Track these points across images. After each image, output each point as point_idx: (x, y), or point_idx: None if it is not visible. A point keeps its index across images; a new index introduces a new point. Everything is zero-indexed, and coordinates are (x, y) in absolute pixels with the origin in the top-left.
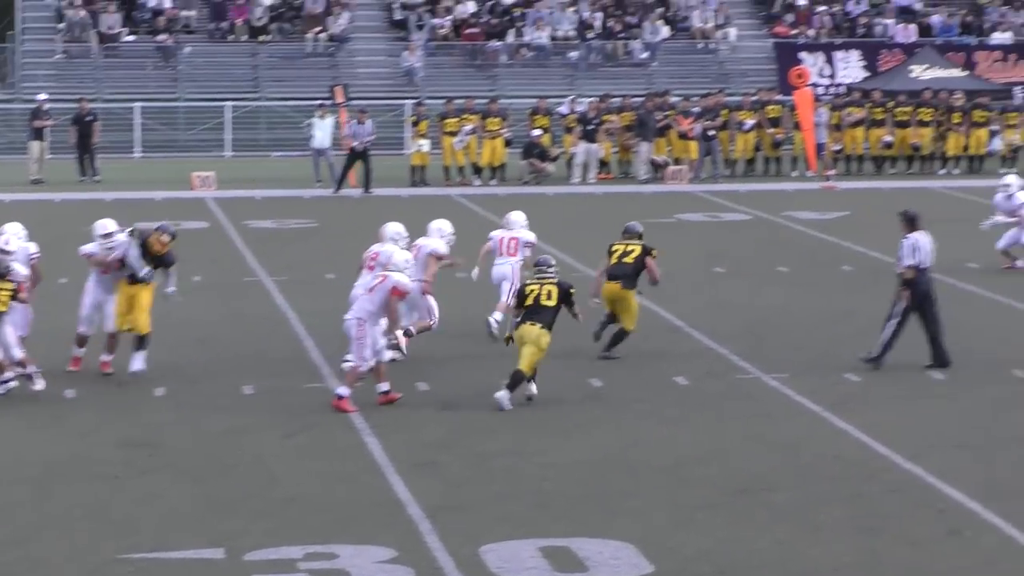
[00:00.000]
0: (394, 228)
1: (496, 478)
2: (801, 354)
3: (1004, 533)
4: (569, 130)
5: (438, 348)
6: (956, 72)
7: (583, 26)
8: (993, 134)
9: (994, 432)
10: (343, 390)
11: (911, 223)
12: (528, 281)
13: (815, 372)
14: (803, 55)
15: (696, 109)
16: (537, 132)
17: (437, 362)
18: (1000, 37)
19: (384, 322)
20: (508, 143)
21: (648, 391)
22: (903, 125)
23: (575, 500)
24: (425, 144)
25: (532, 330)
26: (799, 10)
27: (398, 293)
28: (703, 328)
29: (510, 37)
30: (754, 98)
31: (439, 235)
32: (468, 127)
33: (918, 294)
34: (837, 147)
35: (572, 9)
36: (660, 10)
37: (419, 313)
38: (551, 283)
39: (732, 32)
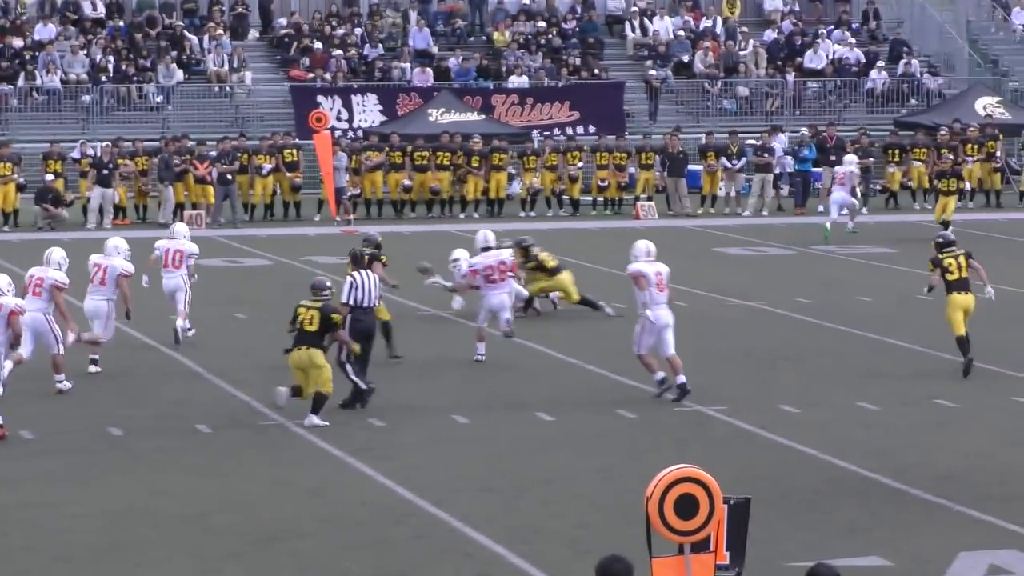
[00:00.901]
0: (60, 254)
1: (15, 531)
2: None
3: (528, 574)
4: (84, 175)
5: None
6: (474, 116)
7: (96, 69)
8: (512, 177)
9: (519, 475)
10: None
11: (355, 262)
12: (301, 303)
13: (340, 417)
14: (320, 99)
15: (212, 153)
16: (50, 177)
17: None
18: (517, 81)
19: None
20: (21, 188)
21: (170, 439)
22: (422, 169)
23: (97, 552)
24: None
25: (302, 355)
26: (315, 54)
27: (15, 315)
28: (225, 375)
29: (20, 80)
30: (271, 142)
31: (57, 266)
32: None
33: (359, 331)
34: (356, 191)
35: (84, 52)
36: (174, 53)
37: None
38: (316, 308)
39: (248, 76)
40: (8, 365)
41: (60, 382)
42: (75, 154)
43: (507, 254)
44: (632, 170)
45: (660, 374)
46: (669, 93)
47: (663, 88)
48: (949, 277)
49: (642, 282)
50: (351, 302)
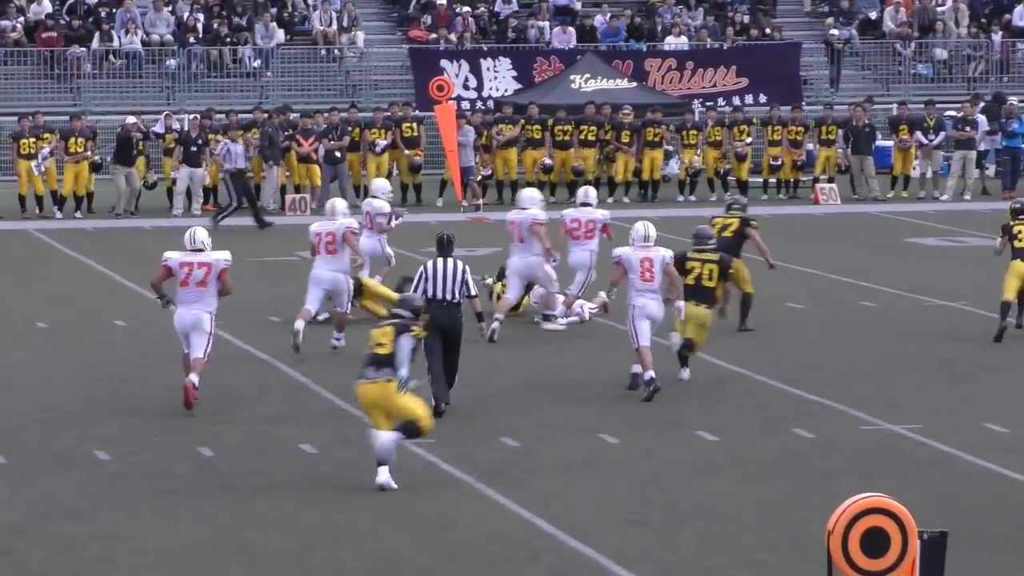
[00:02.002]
0: (343, 204)
1: (87, 568)
2: (452, 414)
3: None
4: (168, 152)
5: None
6: (624, 83)
7: (183, 29)
8: (669, 155)
9: (676, 504)
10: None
11: (439, 248)
12: (689, 256)
13: (469, 436)
14: (444, 63)
15: (319, 127)
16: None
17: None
18: (674, 42)
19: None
20: (96, 168)
21: (268, 461)
22: (564, 146)
23: None
24: None
25: (698, 312)
26: (438, 11)
27: (226, 272)
28: (331, 386)
29: (96, 42)
30: (387, 114)
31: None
32: (46, 149)
33: (434, 327)
34: (487, 171)
35: (168, 9)
36: (274, 10)
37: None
38: (714, 262)
39: (360, 36)
40: (300, 324)
41: (338, 339)
42: (158, 128)
43: (601, 213)
44: (810, 147)
45: (637, 368)
46: (854, 56)
47: (846, 50)
48: (1016, 244)
49: (618, 271)
50: (422, 295)
